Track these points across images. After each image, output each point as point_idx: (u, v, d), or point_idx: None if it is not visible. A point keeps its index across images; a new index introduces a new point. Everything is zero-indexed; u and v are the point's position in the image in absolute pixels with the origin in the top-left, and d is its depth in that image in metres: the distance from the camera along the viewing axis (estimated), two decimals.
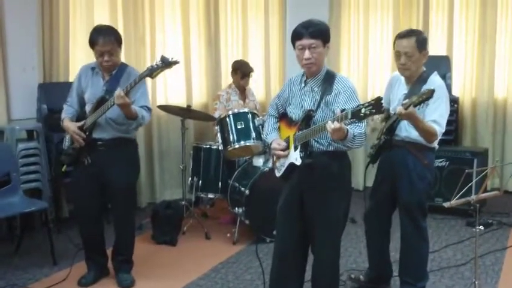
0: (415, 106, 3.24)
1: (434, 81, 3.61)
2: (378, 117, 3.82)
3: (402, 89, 3.75)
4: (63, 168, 4.30)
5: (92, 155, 4.05)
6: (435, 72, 3.71)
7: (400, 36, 3.66)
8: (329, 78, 3.20)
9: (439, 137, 3.61)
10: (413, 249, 3.82)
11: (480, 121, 6.83)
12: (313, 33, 3.09)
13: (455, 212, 5.41)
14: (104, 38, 3.88)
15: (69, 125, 4.07)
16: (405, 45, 3.60)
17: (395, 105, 3.63)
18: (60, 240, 5.02)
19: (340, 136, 2.93)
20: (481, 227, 3.84)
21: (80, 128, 4.02)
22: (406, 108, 3.24)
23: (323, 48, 3.14)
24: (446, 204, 3.63)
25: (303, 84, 3.28)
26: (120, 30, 6.01)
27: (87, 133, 4.01)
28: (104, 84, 4.04)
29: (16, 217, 5.08)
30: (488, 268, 4.52)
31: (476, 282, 3.74)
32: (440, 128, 3.53)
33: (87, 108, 4.08)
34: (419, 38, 3.60)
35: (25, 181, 5.06)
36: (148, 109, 4.10)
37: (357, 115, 2.79)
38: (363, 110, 2.76)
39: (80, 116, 4.12)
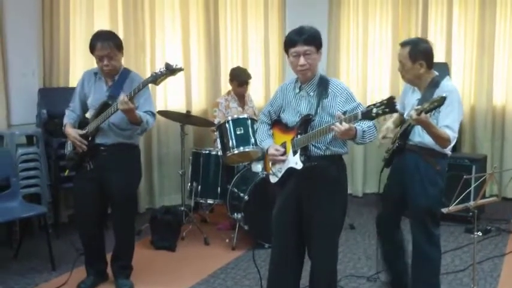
0: (426, 113, 3.24)
1: (446, 85, 3.60)
2: (390, 123, 3.85)
3: (416, 94, 3.75)
4: (66, 173, 4.31)
5: (95, 160, 4.06)
6: (447, 77, 3.71)
7: (400, 44, 3.72)
8: (323, 83, 3.23)
9: (453, 142, 3.58)
10: (425, 256, 3.75)
11: (479, 128, 6.85)
12: (307, 40, 3.12)
13: (454, 218, 5.42)
14: (102, 43, 3.90)
15: (70, 131, 4.06)
16: (400, 53, 3.67)
17: (409, 111, 3.64)
18: (59, 245, 5.01)
19: (350, 135, 2.98)
20: (480, 233, 3.85)
21: (82, 135, 4.02)
22: (418, 114, 3.24)
23: (316, 54, 3.17)
24: (444, 210, 3.64)
25: (297, 90, 3.29)
26: (120, 36, 6.01)
27: (89, 138, 4.02)
28: (107, 89, 4.05)
29: (15, 222, 5.09)
30: (487, 274, 4.52)
31: None
32: (453, 133, 3.51)
33: (90, 113, 4.07)
34: (415, 49, 3.60)
35: (24, 186, 5.06)
36: (153, 114, 4.11)
37: (367, 115, 2.82)
38: (374, 110, 2.79)
39: (82, 121, 4.13)
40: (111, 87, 4.04)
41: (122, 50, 4.05)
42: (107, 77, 4.07)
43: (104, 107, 3.93)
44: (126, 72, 4.11)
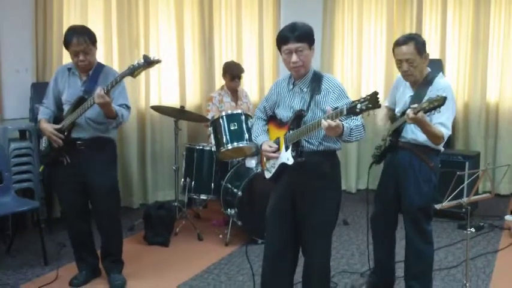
0: (425, 112, 3.20)
1: (439, 83, 3.58)
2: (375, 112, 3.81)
3: (408, 91, 3.71)
4: (41, 169, 4.29)
5: (72, 155, 4.03)
6: (440, 74, 3.68)
7: (399, 43, 3.61)
8: (317, 79, 3.21)
9: (446, 139, 3.57)
10: (419, 253, 3.75)
11: (472, 125, 6.87)
12: (299, 37, 3.10)
13: (447, 214, 5.45)
14: (78, 38, 3.87)
15: (46, 126, 4.03)
16: (405, 51, 3.56)
17: (402, 107, 3.63)
18: (52, 241, 5.01)
19: (336, 132, 2.94)
20: (473, 230, 3.85)
21: (58, 129, 3.99)
22: (415, 113, 3.21)
23: (309, 50, 3.15)
24: (438, 206, 3.64)
25: (291, 86, 3.29)
26: (114, 33, 6.09)
27: (65, 133, 3.98)
28: (81, 84, 4.02)
29: (8, 217, 5.07)
30: (480, 271, 4.54)
31: (468, 285, 3.76)
32: (447, 131, 3.50)
33: (65, 108, 4.04)
34: (418, 42, 3.56)
35: (17, 181, 5.05)
36: (128, 107, 4.09)
37: (352, 111, 2.81)
38: (358, 106, 2.78)
39: (57, 117, 4.09)
40: (86, 82, 4.01)
41: (96, 44, 4.02)
42: (81, 72, 4.03)
43: (79, 102, 3.91)
44: (100, 67, 4.09)
